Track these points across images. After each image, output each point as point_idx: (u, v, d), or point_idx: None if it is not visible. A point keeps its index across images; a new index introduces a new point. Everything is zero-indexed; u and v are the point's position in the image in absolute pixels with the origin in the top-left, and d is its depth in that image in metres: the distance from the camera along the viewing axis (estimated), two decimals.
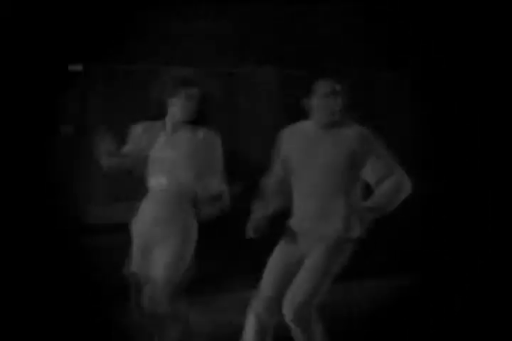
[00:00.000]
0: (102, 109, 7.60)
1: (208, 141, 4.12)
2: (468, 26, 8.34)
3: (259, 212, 3.96)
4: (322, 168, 3.88)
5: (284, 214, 4.07)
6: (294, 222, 3.95)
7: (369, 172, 3.87)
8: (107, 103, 7.70)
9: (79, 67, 8.37)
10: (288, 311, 3.72)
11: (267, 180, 4.07)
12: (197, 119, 4.15)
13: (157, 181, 4.13)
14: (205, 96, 4.15)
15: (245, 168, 8.08)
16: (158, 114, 4.20)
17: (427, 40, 8.58)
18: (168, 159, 4.12)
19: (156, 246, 4.07)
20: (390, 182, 3.83)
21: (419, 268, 6.75)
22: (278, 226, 4.16)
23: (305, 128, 4.00)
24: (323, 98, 3.89)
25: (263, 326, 3.83)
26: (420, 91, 8.64)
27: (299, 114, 4.35)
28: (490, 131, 8.06)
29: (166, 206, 4.09)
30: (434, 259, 7.05)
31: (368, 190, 4.20)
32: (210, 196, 4.06)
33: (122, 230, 5.12)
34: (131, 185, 7.35)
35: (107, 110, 7.65)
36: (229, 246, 6.41)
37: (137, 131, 4.25)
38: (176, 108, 4.11)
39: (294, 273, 3.84)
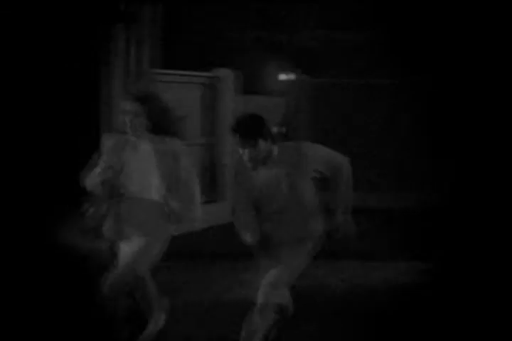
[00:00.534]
0: None
1: (169, 151, 4.35)
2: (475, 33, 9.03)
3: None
4: (271, 195, 4.29)
5: None
6: (265, 234, 4.37)
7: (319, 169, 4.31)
8: None
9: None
10: (261, 295, 4.23)
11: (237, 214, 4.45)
12: (161, 129, 4.37)
13: (130, 189, 4.36)
14: (155, 109, 4.32)
15: None
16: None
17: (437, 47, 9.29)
18: (136, 170, 4.34)
19: (128, 242, 4.34)
20: (335, 186, 4.28)
21: (435, 256, 7.20)
22: None
23: (247, 166, 4.31)
24: (240, 147, 4.21)
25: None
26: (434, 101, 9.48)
27: None
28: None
29: (139, 211, 4.35)
30: (449, 248, 7.47)
31: None
32: (178, 211, 4.36)
33: None
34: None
35: None
36: None
37: (108, 143, 4.46)
38: (122, 120, 4.37)
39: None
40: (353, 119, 10.27)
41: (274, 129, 10.07)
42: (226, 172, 8.76)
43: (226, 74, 9.22)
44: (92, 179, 4.35)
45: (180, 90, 8.43)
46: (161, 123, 4.37)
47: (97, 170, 4.34)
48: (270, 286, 4.19)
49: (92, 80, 6.80)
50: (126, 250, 4.33)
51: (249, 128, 4.18)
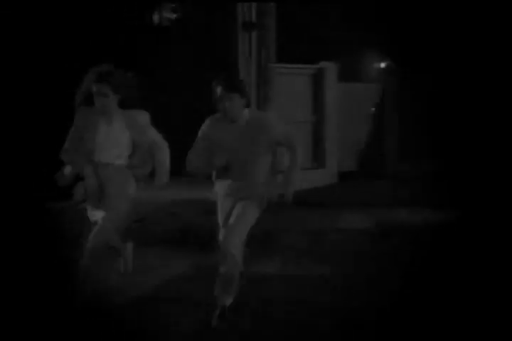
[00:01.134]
0: None
1: (137, 124, 4.61)
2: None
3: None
4: (238, 150, 4.56)
5: None
6: (226, 184, 4.71)
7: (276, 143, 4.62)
8: None
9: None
10: (224, 239, 4.61)
11: (191, 156, 4.68)
12: (128, 104, 4.64)
13: (101, 156, 4.67)
14: (121, 87, 4.53)
15: None
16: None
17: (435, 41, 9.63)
18: (108, 141, 4.63)
19: (104, 198, 4.68)
20: (288, 164, 4.61)
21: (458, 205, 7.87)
22: None
23: (221, 119, 4.59)
24: (219, 100, 4.47)
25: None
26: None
27: None
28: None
29: (109, 174, 4.69)
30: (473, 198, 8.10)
31: None
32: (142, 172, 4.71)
33: None
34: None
35: None
36: None
37: (81, 117, 4.69)
38: (95, 100, 4.55)
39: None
40: (435, 102, 10.95)
41: (372, 110, 11.50)
42: (327, 145, 10.48)
43: (329, 66, 10.59)
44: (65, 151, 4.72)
45: (294, 79, 10.09)
46: (127, 98, 4.61)
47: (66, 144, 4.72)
48: (230, 234, 4.57)
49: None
50: (106, 202, 4.66)
51: (232, 82, 4.50)
